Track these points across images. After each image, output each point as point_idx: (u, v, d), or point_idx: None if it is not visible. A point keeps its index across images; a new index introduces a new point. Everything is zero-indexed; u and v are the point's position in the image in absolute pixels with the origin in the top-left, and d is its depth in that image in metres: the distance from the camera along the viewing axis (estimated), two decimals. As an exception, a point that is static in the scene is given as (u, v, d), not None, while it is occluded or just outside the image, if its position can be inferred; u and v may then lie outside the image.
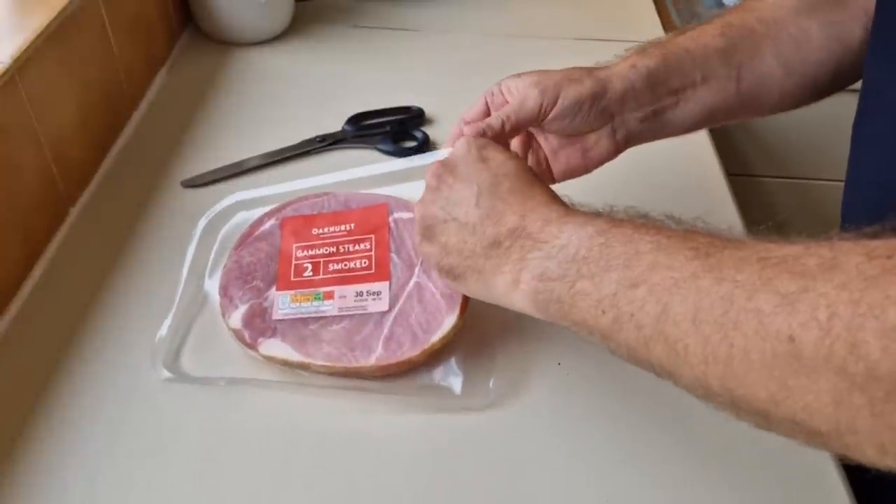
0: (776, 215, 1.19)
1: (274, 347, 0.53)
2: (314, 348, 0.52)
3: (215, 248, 0.62)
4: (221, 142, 0.78)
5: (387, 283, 0.54)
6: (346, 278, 0.55)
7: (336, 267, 0.55)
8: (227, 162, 0.75)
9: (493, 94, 0.55)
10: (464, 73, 0.91)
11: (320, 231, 0.58)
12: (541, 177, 0.51)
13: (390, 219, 0.57)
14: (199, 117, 0.82)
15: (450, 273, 0.49)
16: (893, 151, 0.49)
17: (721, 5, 1.05)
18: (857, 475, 0.52)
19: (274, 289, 0.56)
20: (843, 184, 0.57)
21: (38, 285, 0.62)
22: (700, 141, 0.81)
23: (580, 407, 0.54)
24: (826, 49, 0.56)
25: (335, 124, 0.80)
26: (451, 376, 0.53)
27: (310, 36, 0.97)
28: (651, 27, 0.98)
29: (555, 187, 0.49)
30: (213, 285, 0.58)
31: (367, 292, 0.54)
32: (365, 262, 0.55)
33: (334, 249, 0.56)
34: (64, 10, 0.65)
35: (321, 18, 1.01)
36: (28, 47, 0.60)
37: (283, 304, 0.54)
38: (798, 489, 0.50)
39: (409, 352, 0.51)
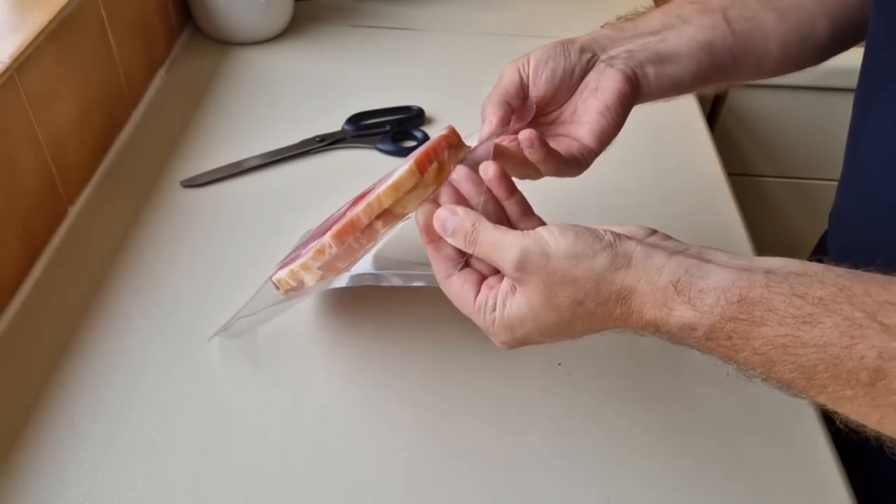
0: (776, 215, 1.19)
1: (280, 273, 0.50)
2: (301, 258, 0.49)
3: None
4: (221, 141, 0.78)
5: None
6: (362, 198, 0.50)
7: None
8: (227, 162, 0.75)
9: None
10: (464, 73, 0.91)
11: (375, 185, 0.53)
12: (582, 160, 0.49)
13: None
14: (198, 117, 0.82)
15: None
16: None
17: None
18: (859, 475, 0.52)
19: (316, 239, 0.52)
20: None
21: (38, 285, 0.62)
22: (700, 141, 0.81)
23: (580, 407, 0.54)
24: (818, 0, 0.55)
25: (335, 124, 0.80)
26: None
27: (309, 35, 0.97)
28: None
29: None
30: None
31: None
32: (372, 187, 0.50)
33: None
34: (63, 9, 0.65)
35: (321, 18, 1.01)
36: (27, 47, 0.60)
37: (312, 245, 0.51)
38: (798, 489, 0.50)
39: (354, 211, 0.46)
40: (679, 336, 0.38)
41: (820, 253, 0.65)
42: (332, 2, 1.04)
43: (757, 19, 0.54)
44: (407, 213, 0.46)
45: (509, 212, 0.45)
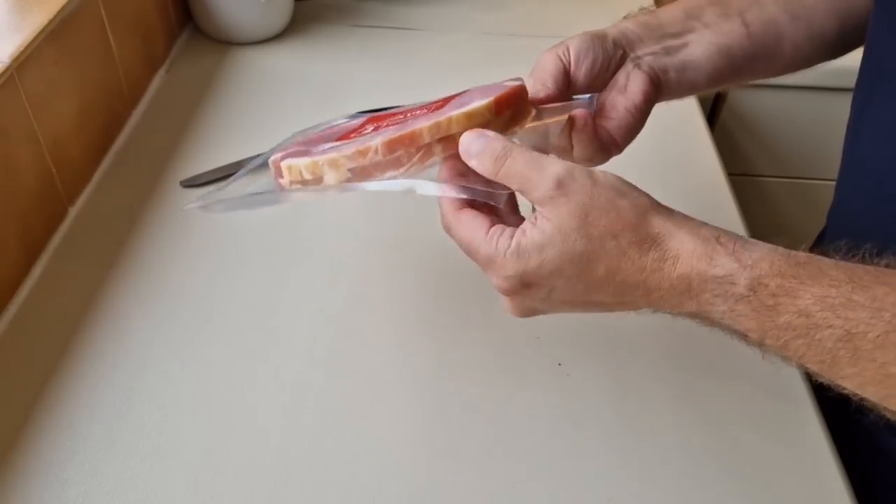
0: (776, 215, 1.19)
1: (294, 161, 0.46)
2: (328, 153, 0.46)
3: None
4: (220, 141, 0.78)
5: (437, 111, 0.46)
6: (399, 122, 0.47)
7: (396, 123, 0.48)
8: (226, 162, 0.75)
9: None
10: (464, 72, 0.91)
11: (400, 115, 0.50)
12: (608, 150, 0.49)
13: (471, 89, 0.50)
14: (198, 117, 0.82)
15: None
16: None
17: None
18: (859, 475, 0.52)
19: (330, 143, 0.49)
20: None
21: (38, 285, 0.62)
22: (701, 141, 0.81)
23: (580, 407, 0.54)
24: (828, 0, 0.56)
25: (335, 124, 0.80)
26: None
27: (309, 35, 0.97)
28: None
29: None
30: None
31: (412, 120, 0.46)
32: (424, 112, 0.48)
33: (403, 116, 0.49)
34: (63, 9, 0.65)
35: (321, 18, 1.01)
36: (27, 46, 0.60)
37: (327, 146, 0.48)
38: (798, 489, 0.50)
39: (418, 124, 0.43)
40: (714, 293, 0.36)
41: (817, 250, 0.65)
42: (332, 2, 1.04)
43: (773, 22, 0.54)
44: None
45: None
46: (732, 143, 1.11)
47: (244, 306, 0.61)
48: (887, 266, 0.36)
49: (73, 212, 0.69)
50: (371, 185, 0.44)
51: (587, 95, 0.50)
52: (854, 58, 0.56)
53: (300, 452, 0.51)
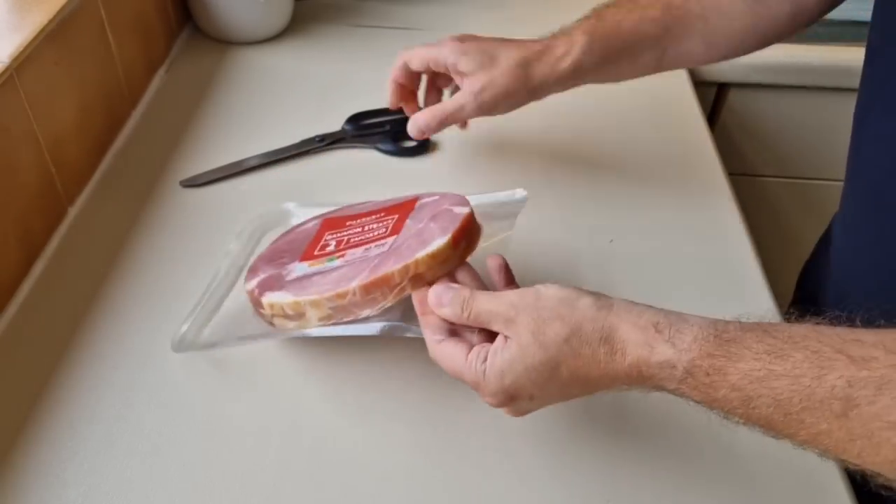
0: (776, 215, 1.19)
1: (275, 297, 0.52)
2: (307, 290, 0.51)
3: (259, 251, 0.61)
4: (220, 141, 0.78)
5: (395, 237, 0.53)
6: (361, 242, 0.55)
7: (356, 239, 0.55)
8: (226, 161, 0.75)
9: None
10: (463, 72, 0.91)
11: (354, 221, 0.58)
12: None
13: (418, 202, 0.57)
14: (197, 117, 0.82)
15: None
16: None
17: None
18: (859, 474, 0.52)
19: (297, 261, 0.55)
20: (842, 183, 0.57)
21: (37, 285, 0.62)
22: (701, 141, 0.81)
23: (580, 408, 0.54)
24: (751, 24, 0.59)
25: (335, 124, 0.80)
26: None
27: (309, 35, 0.97)
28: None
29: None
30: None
31: (375, 246, 0.53)
32: (383, 230, 0.55)
33: (360, 229, 0.56)
34: (63, 9, 0.65)
35: (320, 17, 1.01)
36: (27, 46, 0.60)
37: (299, 269, 0.54)
38: (798, 489, 0.50)
39: (391, 267, 0.49)
40: (660, 377, 0.40)
41: (821, 256, 0.65)
42: (332, 1, 1.04)
43: (687, 54, 0.62)
44: (434, 280, 0.49)
45: None
46: (732, 143, 1.11)
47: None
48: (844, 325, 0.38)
49: (73, 212, 0.69)
50: (353, 329, 0.51)
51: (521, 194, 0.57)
52: (854, 58, 0.56)
53: (299, 452, 0.51)
